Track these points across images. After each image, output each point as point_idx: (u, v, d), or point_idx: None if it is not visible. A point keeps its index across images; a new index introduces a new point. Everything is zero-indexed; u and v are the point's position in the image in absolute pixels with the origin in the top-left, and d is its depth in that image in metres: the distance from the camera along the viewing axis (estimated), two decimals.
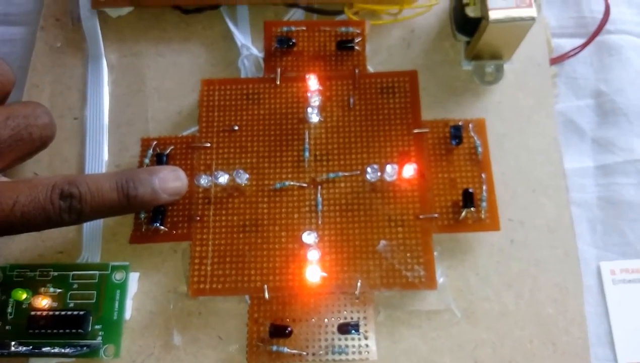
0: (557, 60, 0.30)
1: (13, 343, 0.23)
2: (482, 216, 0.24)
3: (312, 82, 0.27)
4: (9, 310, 0.24)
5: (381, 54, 0.30)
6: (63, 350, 0.23)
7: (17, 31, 0.33)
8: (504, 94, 0.28)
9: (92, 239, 0.26)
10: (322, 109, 0.27)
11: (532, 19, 0.25)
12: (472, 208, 0.24)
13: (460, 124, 0.26)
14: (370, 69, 0.29)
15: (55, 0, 0.32)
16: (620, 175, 0.27)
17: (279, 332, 0.23)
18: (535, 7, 0.26)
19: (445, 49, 0.29)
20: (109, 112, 0.29)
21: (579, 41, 0.30)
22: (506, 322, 0.24)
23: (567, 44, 0.30)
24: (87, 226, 0.26)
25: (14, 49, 0.32)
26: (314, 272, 0.23)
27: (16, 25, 0.33)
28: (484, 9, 0.25)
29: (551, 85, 0.28)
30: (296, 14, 0.31)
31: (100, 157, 0.28)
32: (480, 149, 0.26)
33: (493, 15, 0.25)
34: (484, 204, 0.25)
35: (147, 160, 0.27)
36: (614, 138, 0.28)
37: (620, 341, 0.24)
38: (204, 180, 0.26)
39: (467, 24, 0.27)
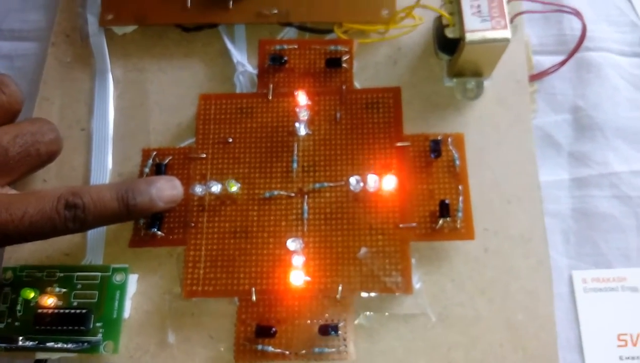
0: (537, 76, 0.31)
1: (20, 338, 0.24)
2: (458, 226, 0.25)
3: (301, 98, 0.28)
4: (18, 307, 0.26)
5: (369, 71, 0.31)
6: (66, 346, 0.24)
7: (31, 46, 0.35)
8: (484, 109, 0.29)
9: (95, 243, 0.27)
10: (310, 122, 0.28)
11: (507, 40, 0.26)
12: (448, 218, 0.25)
13: (439, 138, 0.27)
14: (358, 85, 0.30)
15: (65, 17, 0.34)
16: (595, 188, 0.28)
17: (264, 332, 0.24)
18: (511, 28, 0.27)
19: (430, 65, 0.31)
20: (114, 124, 0.31)
21: (560, 58, 0.31)
22: (479, 327, 0.25)
23: (548, 60, 0.31)
24: (91, 231, 0.28)
25: (27, 63, 0.34)
26: (298, 276, 0.25)
27: (30, 40, 0.35)
28: (462, 30, 0.26)
29: (529, 101, 0.29)
30: (289, 32, 0.32)
31: (105, 166, 0.30)
32: (457, 162, 0.27)
33: (469, 37, 0.26)
34: (460, 214, 0.26)
35: (147, 170, 0.28)
36: (589, 152, 0.29)
37: (589, 347, 0.25)
38: (198, 189, 0.27)
39: (448, 44, 0.28)
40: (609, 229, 0.27)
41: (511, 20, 0.27)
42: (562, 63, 0.30)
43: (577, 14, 0.29)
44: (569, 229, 0.27)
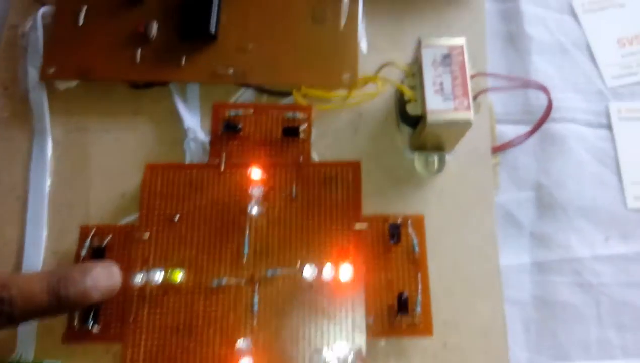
0: (500, 148, 0.29)
1: None
2: (416, 321, 0.24)
3: (255, 174, 0.26)
4: None
5: (328, 138, 0.29)
6: None
7: None
8: (445, 184, 0.28)
9: (26, 334, 0.25)
10: (265, 197, 0.26)
11: (469, 123, 0.25)
12: (406, 314, 0.24)
13: (398, 222, 0.26)
14: (316, 155, 0.28)
15: (4, 67, 0.31)
16: (556, 274, 0.27)
17: None
18: (474, 106, 0.25)
19: (392, 135, 0.29)
20: (51, 193, 0.28)
21: (525, 128, 0.29)
22: None
23: (512, 130, 0.29)
24: None
25: None
26: None
27: None
28: (423, 108, 0.25)
29: (492, 177, 0.28)
30: (246, 93, 0.30)
31: (40, 242, 0.27)
32: (417, 248, 0.25)
33: (430, 117, 0.24)
34: (419, 309, 0.24)
35: (84, 252, 0.26)
36: (551, 233, 0.27)
37: None
38: (139, 278, 0.25)
39: (409, 117, 0.27)
40: (569, 319, 0.26)
41: (475, 97, 0.26)
42: (527, 135, 0.29)
43: (543, 89, 0.27)
44: (529, 318, 0.26)
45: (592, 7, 0.31)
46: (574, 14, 0.31)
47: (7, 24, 0.32)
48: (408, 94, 0.26)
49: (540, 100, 0.30)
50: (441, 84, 0.25)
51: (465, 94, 0.25)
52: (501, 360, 0.24)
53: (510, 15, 0.31)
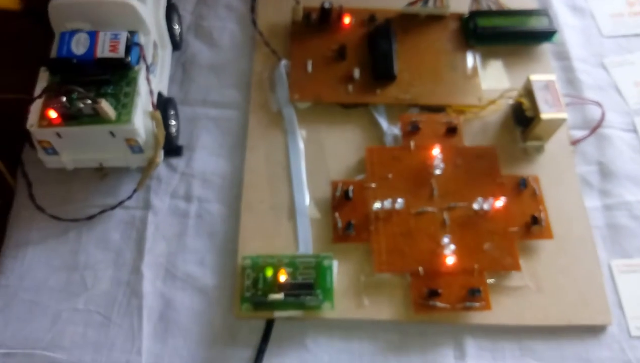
0: (574, 143, 0.45)
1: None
2: (543, 230, 0.39)
3: (435, 152, 0.42)
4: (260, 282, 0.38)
5: (476, 134, 0.45)
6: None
7: (231, 113, 0.47)
8: (545, 161, 0.44)
9: (305, 238, 0.40)
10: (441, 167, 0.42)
11: (564, 119, 0.41)
12: (537, 224, 0.39)
13: (526, 177, 0.41)
14: (466, 143, 0.44)
15: (257, 95, 0.47)
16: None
17: (433, 294, 0.36)
18: (565, 110, 0.41)
19: (507, 133, 0.45)
20: (306, 165, 0.43)
21: (585, 132, 0.46)
22: None
23: (577, 133, 0.46)
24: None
25: (230, 124, 0.47)
26: (449, 259, 0.37)
27: (230, 109, 0.48)
28: (537, 111, 0.41)
29: (571, 157, 0.44)
30: (413, 110, 0.46)
31: (304, 194, 0.42)
32: (537, 192, 0.41)
33: (543, 116, 0.41)
34: (544, 223, 0.39)
35: (337, 194, 0.41)
36: (611, 189, 0.43)
37: None
38: (376, 205, 0.40)
39: (524, 120, 0.43)
40: None
41: None
42: (586, 136, 0.45)
43: (597, 104, 0.44)
44: None
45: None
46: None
47: (253, 71, 0.49)
48: (526, 104, 0.42)
49: (594, 114, 0.46)
50: (545, 99, 0.42)
51: (560, 104, 0.41)
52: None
53: None
